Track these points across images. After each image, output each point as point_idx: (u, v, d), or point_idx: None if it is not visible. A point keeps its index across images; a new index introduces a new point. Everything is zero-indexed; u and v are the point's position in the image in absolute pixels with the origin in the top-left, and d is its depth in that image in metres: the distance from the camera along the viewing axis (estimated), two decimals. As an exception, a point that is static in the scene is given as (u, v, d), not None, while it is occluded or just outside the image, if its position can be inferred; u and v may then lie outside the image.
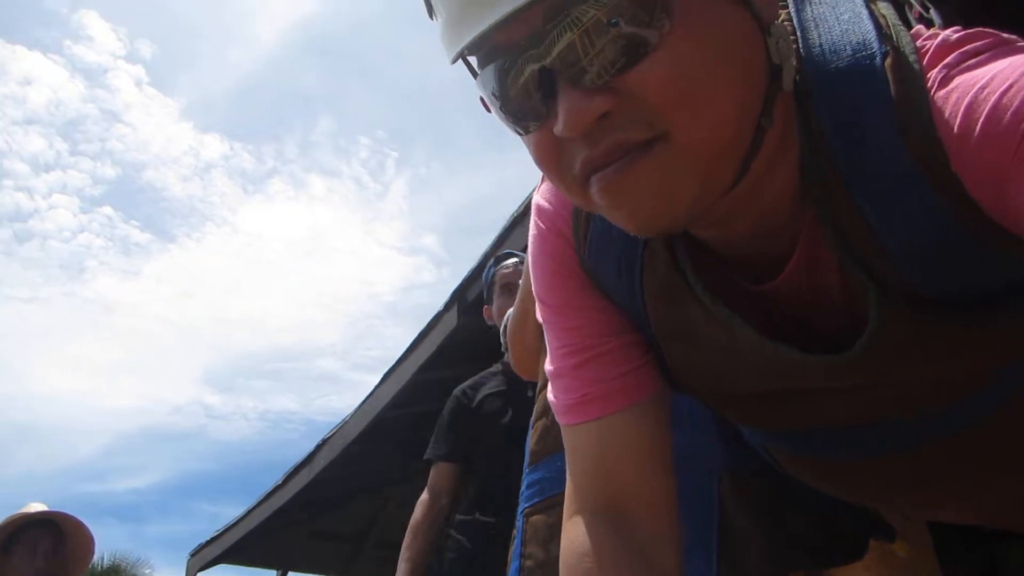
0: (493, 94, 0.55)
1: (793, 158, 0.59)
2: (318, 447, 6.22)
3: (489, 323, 2.61)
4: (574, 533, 0.74)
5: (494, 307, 2.55)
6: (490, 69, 0.53)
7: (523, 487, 1.14)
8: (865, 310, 0.58)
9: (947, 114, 0.52)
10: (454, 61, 0.54)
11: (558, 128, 0.51)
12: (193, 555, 8.48)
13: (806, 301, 0.63)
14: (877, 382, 0.64)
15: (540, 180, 0.77)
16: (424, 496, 2.48)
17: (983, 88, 0.51)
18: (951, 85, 0.53)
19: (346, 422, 5.82)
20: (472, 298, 4.23)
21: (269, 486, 7.01)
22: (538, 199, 0.76)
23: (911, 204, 0.54)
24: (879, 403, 0.67)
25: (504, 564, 2.13)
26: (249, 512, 7.40)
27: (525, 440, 2.28)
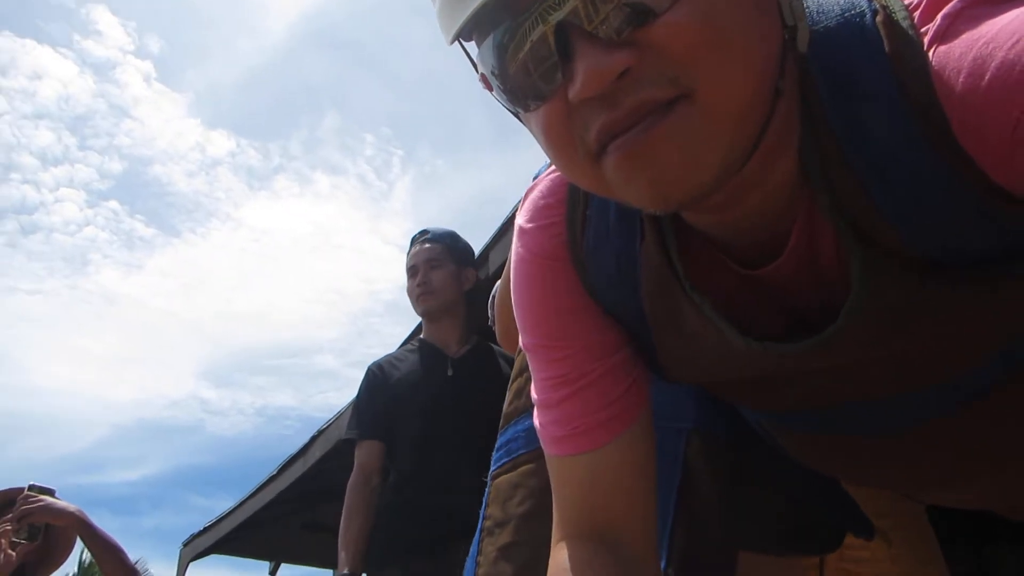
0: (495, 69, 0.52)
1: (795, 135, 0.56)
2: (313, 439, 6.20)
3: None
4: (560, 556, 0.73)
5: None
6: (494, 39, 0.50)
7: (494, 451, 1.13)
8: None
9: (948, 70, 0.50)
10: (463, 26, 0.50)
11: (574, 89, 0.47)
12: (186, 545, 8.46)
13: (804, 283, 0.62)
14: (873, 356, 0.62)
15: (521, 201, 0.75)
16: (354, 478, 2.36)
17: (988, 43, 0.48)
18: (953, 40, 0.50)
19: (342, 414, 5.80)
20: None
21: (263, 478, 7.01)
22: (521, 222, 0.74)
23: (908, 163, 0.52)
24: (878, 379, 0.66)
25: (432, 551, 2.13)
26: (242, 503, 7.38)
27: (444, 421, 2.31)
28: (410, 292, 2.52)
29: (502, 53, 0.50)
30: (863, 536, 0.97)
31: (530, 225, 0.73)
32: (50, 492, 2.15)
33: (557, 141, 0.53)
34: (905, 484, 0.87)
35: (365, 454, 2.38)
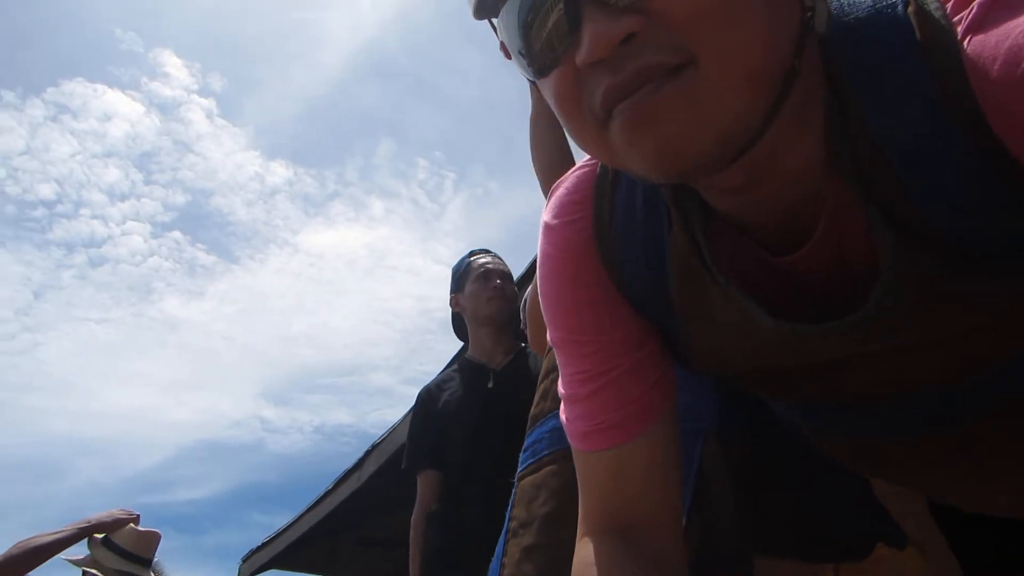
0: (511, 37, 0.54)
1: (819, 120, 0.57)
2: (367, 453, 6.23)
3: (454, 310, 2.67)
4: (585, 551, 0.74)
5: (465, 292, 2.60)
6: (509, 8, 0.53)
7: (521, 452, 1.13)
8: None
9: (983, 58, 0.50)
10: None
11: (581, 54, 0.49)
12: (245, 560, 8.58)
13: (832, 268, 0.62)
14: (902, 344, 0.61)
15: (547, 201, 0.77)
16: (416, 513, 2.44)
17: None
18: (990, 29, 0.50)
19: (395, 428, 5.83)
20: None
21: (319, 493, 7.09)
22: (547, 218, 0.75)
23: (940, 149, 0.52)
24: (913, 369, 0.65)
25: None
26: (299, 518, 7.47)
27: (491, 442, 2.33)
28: (478, 294, 2.57)
29: (517, 22, 0.52)
30: (894, 546, 0.95)
31: (556, 221, 0.74)
32: None
33: (567, 106, 0.54)
34: (935, 485, 0.84)
35: (423, 486, 2.46)
